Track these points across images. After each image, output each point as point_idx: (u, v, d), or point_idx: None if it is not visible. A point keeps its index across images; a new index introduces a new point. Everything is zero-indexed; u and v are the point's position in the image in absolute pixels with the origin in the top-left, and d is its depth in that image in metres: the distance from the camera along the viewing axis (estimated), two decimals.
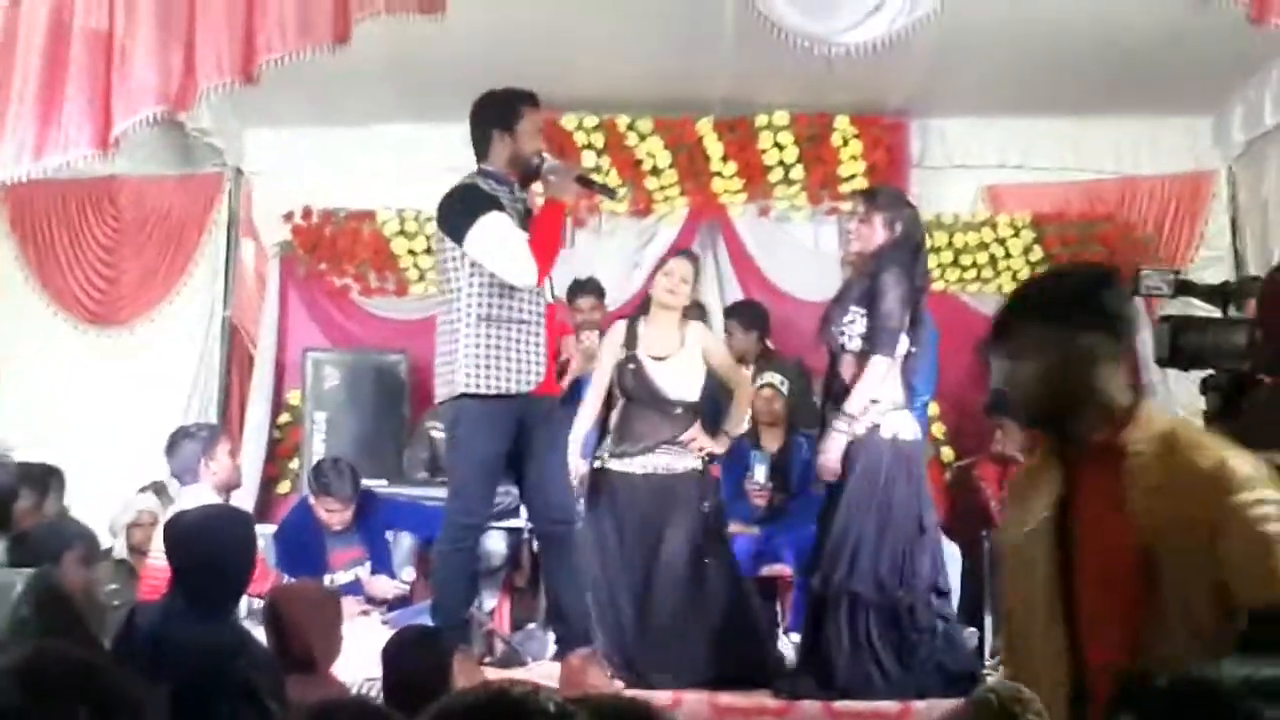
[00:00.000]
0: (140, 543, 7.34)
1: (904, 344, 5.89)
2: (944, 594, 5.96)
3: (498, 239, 5.72)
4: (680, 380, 6.38)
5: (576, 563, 6.09)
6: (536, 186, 6.08)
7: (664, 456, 6.35)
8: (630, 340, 6.46)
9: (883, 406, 5.88)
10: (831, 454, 5.86)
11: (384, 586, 6.94)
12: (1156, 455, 2.92)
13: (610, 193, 6.60)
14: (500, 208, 5.77)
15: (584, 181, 6.22)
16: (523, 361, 5.79)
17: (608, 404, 6.58)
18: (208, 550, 4.37)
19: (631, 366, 6.39)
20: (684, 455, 6.36)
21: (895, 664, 5.75)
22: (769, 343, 8.29)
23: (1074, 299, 2.99)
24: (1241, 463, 2.83)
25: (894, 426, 5.87)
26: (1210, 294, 3.72)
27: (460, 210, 5.81)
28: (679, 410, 6.36)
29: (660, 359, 6.38)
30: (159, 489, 7.81)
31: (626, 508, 6.37)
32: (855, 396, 5.83)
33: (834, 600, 5.80)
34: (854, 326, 5.92)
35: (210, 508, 5.43)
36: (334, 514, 6.90)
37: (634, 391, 6.42)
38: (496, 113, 6.04)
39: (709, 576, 6.22)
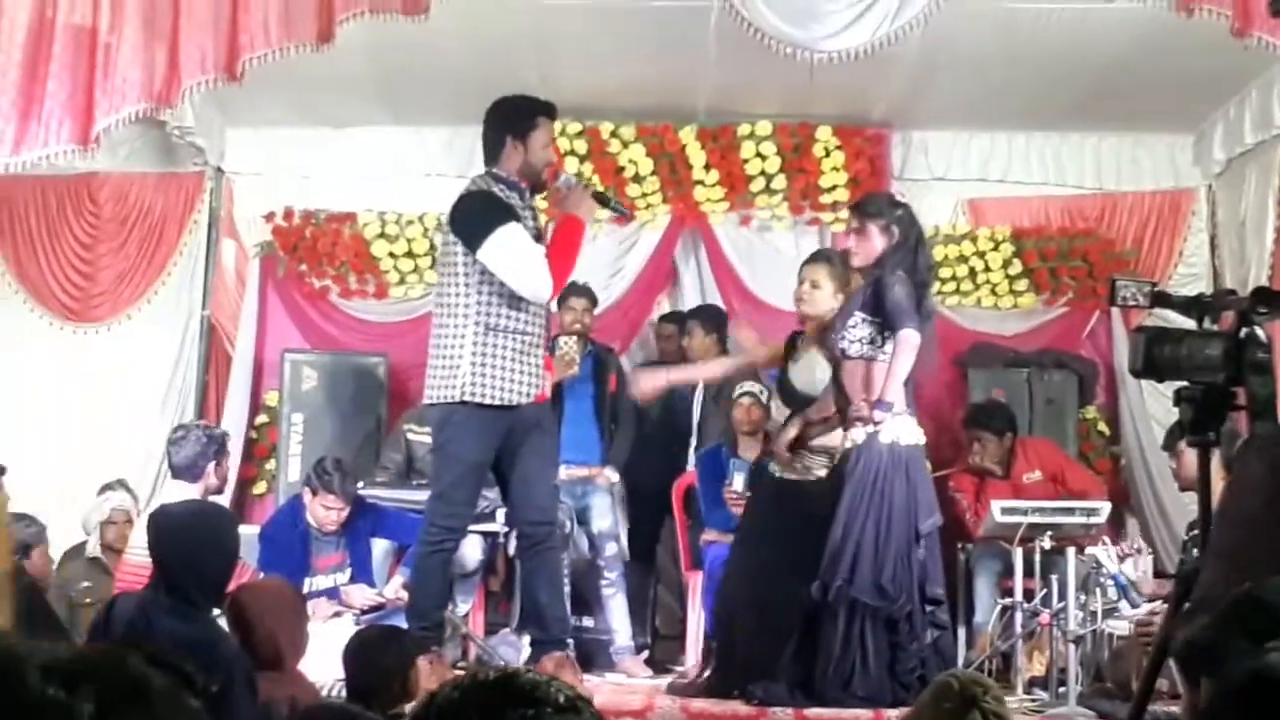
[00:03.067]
0: (114, 540, 7.32)
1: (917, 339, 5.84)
2: (938, 602, 5.91)
3: (516, 252, 5.75)
4: (802, 376, 6.37)
5: (555, 565, 6.08)
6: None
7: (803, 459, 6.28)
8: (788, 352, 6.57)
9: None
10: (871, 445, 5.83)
11: (361, 596, 6.90)
12: None
13: (624, 212, 6.54)
14: (517, 218, 5.80)
15: (600, 199, 6.24)
16: (523, 373, 5.86)
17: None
18: (192, 546, 4.37)
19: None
20: (813, 461, 6.24)
21: (883, 672, 5.69)
22: (727, 347, 8.30)
23: None
24: None
25: (894, 431, 5.81)
26: (1186, 306, 3.71)
27: (478, 217, 5.82)
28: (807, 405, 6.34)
29: (793, 360, 6.45)
30: (124, 486, 7.79)
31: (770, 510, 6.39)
32: (891, 380, 5.76)
33: (832, 608, 5.73)
34: (855, 331, 5.91)
35: (197, 504, 5.43)
36: (330, 512, 6.85)
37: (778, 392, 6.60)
38: (512, 119, 6.07)
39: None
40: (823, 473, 6.17)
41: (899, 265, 5.88)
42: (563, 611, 6.12)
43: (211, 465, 6.48)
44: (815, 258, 6.59)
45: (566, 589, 7.09)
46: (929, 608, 5.81)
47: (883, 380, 5.78)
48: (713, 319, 8.39)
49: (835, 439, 6.09)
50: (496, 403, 5.81)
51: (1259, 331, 3.41)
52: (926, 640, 5.78)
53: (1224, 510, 2.94)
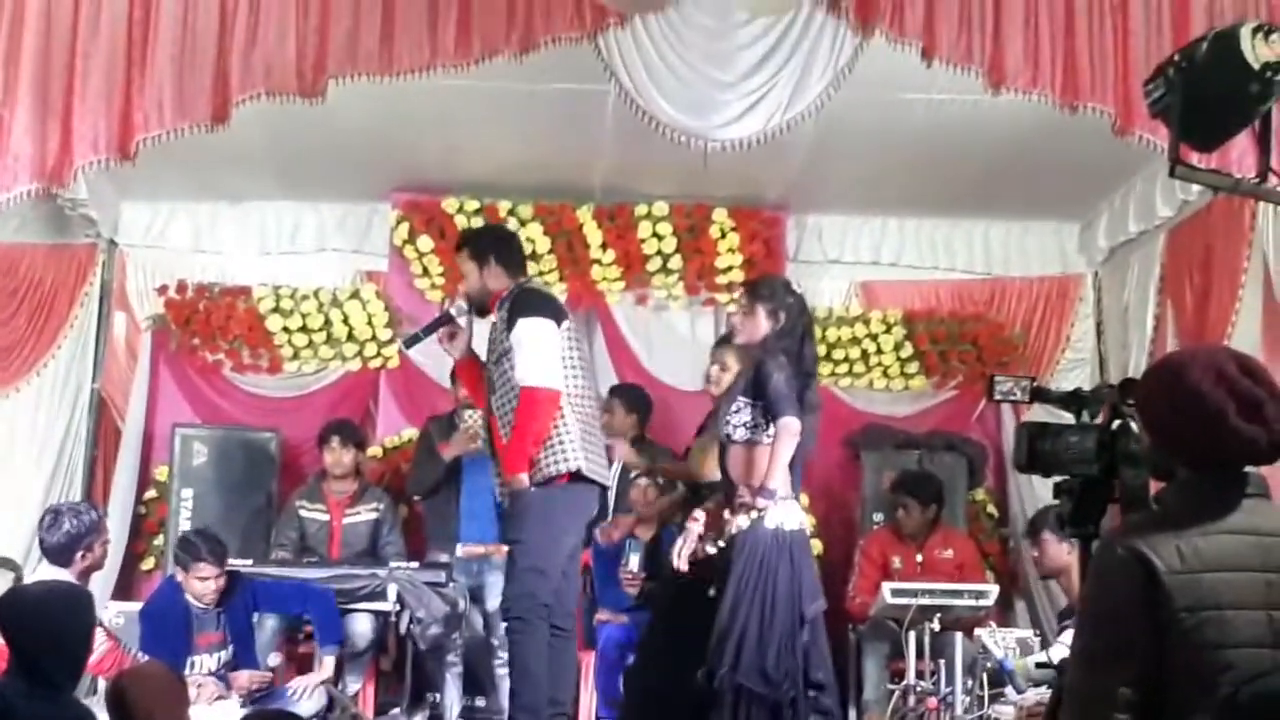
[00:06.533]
0: None
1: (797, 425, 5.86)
2: (821, 687, 5.87)
3: None
4: (696, 460, 6.54)
5: (513, 650, 6.07)
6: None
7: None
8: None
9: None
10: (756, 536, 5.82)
11: (245, 680, 6.75)
12: None
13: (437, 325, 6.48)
14: None
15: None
16: None
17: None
18: (47, 626, 4.29)
19: None
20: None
21: None
22: (646, 430, 8.34)
23: None
24: None
25: (778, 517, 5.76)
26: (1064, 400, 3.79)
27: None
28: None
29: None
30: (8, 564, 7.64)
31: None
32: (774, 467, 5.73)
33: (719, 694, 5.67)
34: (739, 416, 5.90)
35: (50, 584, 5.32)
36: (208, 582, 6.71)
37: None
38: None
39: None
40: (711, 550, 6.20)
41: (781, 351, 5.91)
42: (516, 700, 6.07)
43: (79, 555, 6.34)
44: (723, 340, 6.66)
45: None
46: (812, 693, 5.81)
47: (765, 466, 5.82)
48: (633, 398, 8.38)
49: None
50: None
51: (1133, 423, 3.48)
52: None
53: (1084, 610, 2.99)
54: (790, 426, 5.75)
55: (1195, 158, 4.14)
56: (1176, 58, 3.73)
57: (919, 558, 7.96)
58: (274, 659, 7.09)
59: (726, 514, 5.93)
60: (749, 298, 6.12)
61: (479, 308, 6.26)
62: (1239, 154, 5.90)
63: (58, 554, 6.32)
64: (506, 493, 5.95)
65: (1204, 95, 3.73)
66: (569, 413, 5.94)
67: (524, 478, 5.86)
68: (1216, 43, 3.69)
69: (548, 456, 5.92)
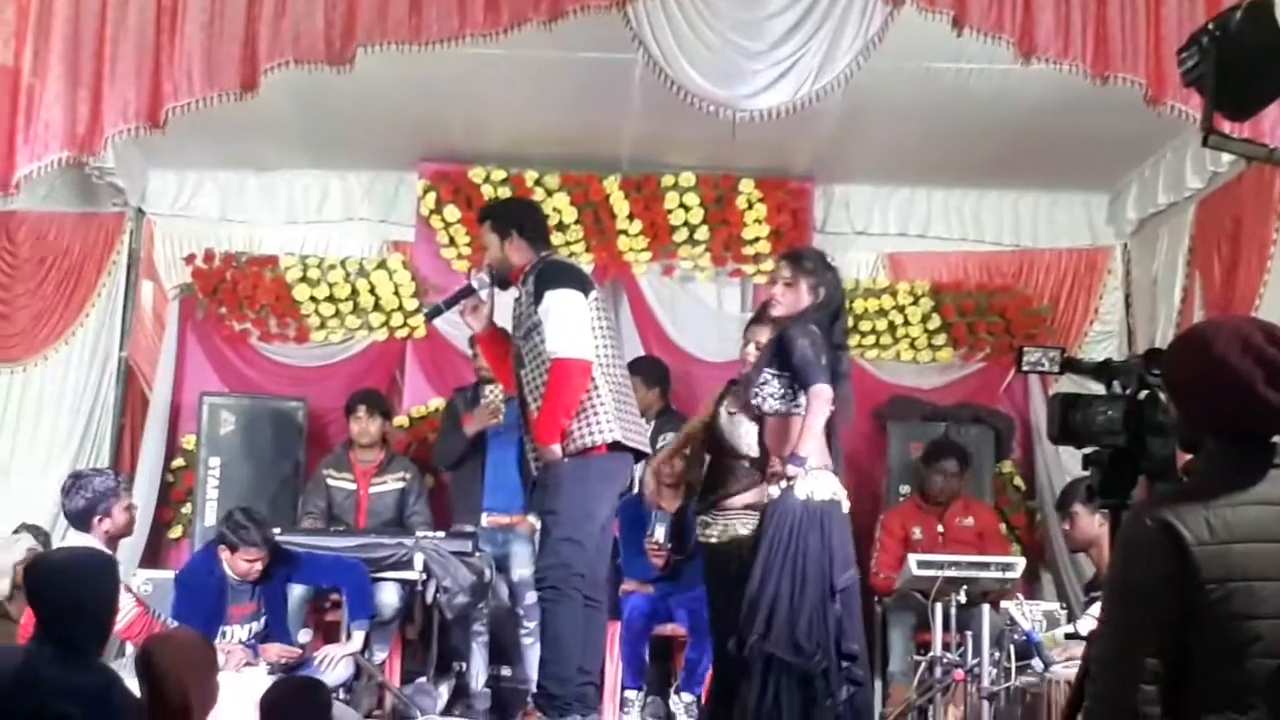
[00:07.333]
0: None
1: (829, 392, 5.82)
2: (853, 657, 5.80)
3: None
4: (728, 425, 6.37)
5: (546, 621, 6.08)
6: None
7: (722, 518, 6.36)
8: (720, 399, 6.54)
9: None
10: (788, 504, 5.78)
11: (275, 654, 6.76)
12: None
13: (459, 298, 6.50)
14: None
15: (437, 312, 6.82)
16: None
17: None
18: (71, 592, 4.32)
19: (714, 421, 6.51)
20: (739, 519, 6.30)
21: None
22: (670, 400, 8.34)
23: None
24: None
25: (809, 486, 5.70)
26: (1095, 371, 3.77)
27: None
28: (745, 464, 6.32)
29: (734, 413, 6.38)
30: (36, 532, 7.67)
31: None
32: (805, 435, 5.66)
33: (749, 663, 5.65)
34: (766, 388, 5.87)
35: (73, 550, 5.35)
36: (255, 563, 6.73)
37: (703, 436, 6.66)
38: None
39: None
40: (745, 531, 6.18)
41: (809, 320, 5.86)
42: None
43: (97, 519, 6.36)
44: (756, 319, 6.54)
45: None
46: (844, 664, 5.78)
47: (797, 435, 5.77)
48: (653, 372, 8.35)
49: (754, 496, 6.12)
50: None
51: (1160, 394, 3.47)
52: (842, 697, 5.75)
53: (1112, 581, 2.98)
54: (822, 394, 5.69)
55: (1227, 127, 4.10)
56: (1210, 26, 3.69)
57: (939, 527, 7.95)
58: (304, 635, 7.12)
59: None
60: (793, 270, 5.97)
61: (501, 281, 6.25)
62: (1271, 124, 5.90)
63: (78, 519, 6.37)
64: (541, 464, 5.95)
65: (1237, 64, 3.70)
66: (602, 382, 5.93)
67: (556, 449, 5.86)
68: (1250, 11, 3.65)
69: (582, 427, 5.92)
